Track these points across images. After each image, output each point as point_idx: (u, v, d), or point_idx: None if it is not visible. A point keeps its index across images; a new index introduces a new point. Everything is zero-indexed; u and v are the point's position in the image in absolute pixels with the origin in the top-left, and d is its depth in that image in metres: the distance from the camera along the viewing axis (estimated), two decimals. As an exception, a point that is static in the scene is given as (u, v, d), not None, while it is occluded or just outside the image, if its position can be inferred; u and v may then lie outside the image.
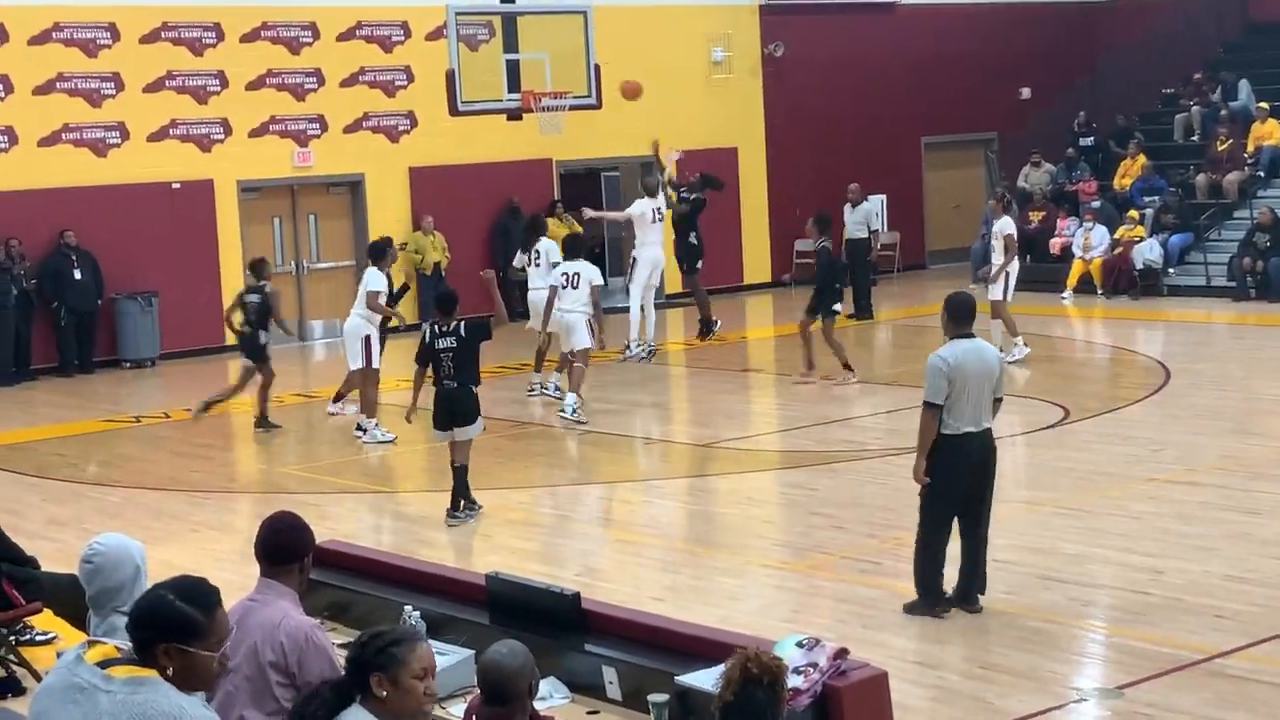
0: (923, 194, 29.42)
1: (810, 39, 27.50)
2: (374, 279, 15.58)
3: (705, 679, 5.14)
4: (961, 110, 29.21)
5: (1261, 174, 25.48)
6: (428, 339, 11.97)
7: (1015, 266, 18.56)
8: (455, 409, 11.80)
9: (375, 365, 15.65)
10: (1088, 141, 28.20)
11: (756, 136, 27.44)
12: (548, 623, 6.22)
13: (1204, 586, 9.49)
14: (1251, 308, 22.57)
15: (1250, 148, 25.91)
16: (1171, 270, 24.46)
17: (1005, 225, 18.37)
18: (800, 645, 5.56)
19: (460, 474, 11.96)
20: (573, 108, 18.70)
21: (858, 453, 14.04)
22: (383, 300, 15.56)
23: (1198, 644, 8.48)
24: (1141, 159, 26.61)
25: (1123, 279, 24.49)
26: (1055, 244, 25.92)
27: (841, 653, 5.55)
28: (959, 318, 9.26)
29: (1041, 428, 14.67)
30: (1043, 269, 25.60)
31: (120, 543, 5.72)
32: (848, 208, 25.66)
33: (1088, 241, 25.09)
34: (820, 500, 12.35)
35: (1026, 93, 30.02)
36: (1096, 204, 25.94)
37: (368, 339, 15.56)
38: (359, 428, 15.60)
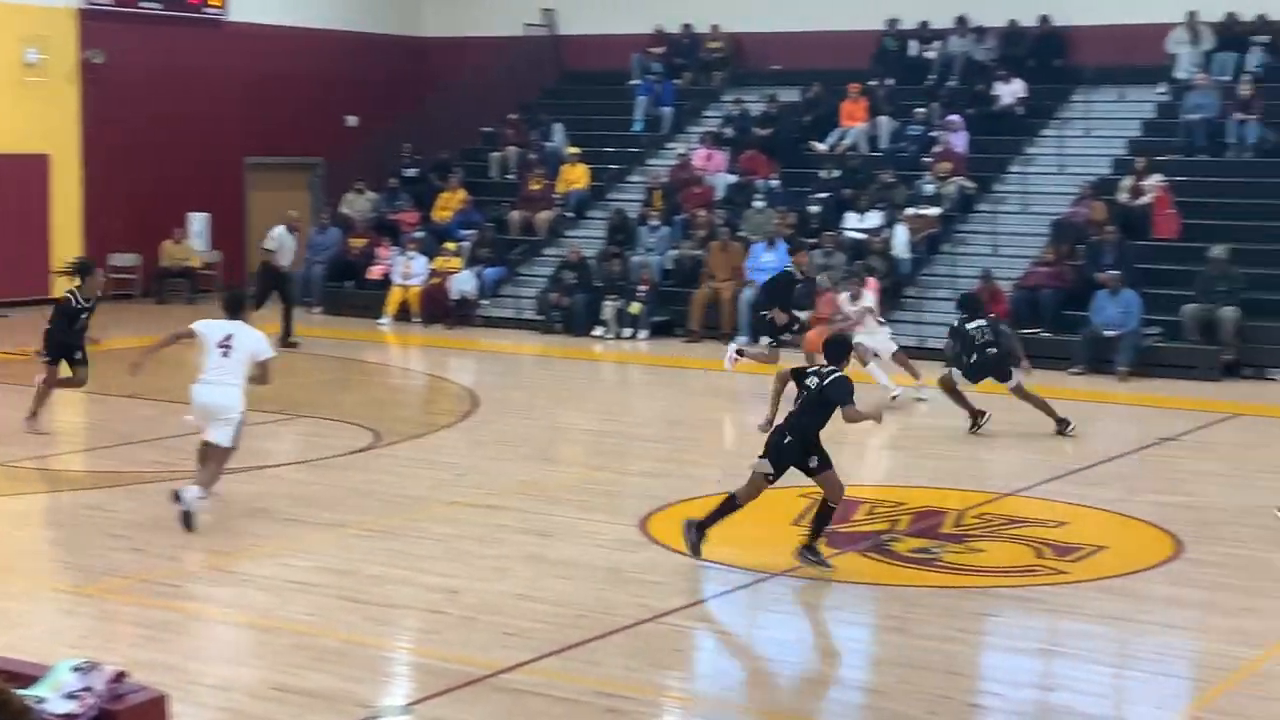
0: (245, 214, 29.14)
1: (134, 49, 26.75)
2: None
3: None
4: (288, 133, 29.21)
5: (570, 214, 26.86)
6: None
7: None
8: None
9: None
10: (411, 173, 28.81)
11: (72, 145, 26.38)
12: None
13: (496, 605, 9.84)
14: (556, 340, 23.72)
15: (561, 189, 27.24)
16: (485, 302, 25.35)
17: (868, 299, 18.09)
18: (77, 670, 5.38)
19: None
20: None
21: (164, 473, 13.68)
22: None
23: (486, 660, 8.77)
24: (461, 193, 27.47)
25: (439, 308, 25.15)
26: (375, 271, 26.31)
27: (120, 676, 5.40)
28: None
29: (350, 451, 14.83)
30: (362, 295, 26.01)
31: None
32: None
33: (408, 270, 25.62)
34: (121, 523, 11.93)
35: (353, 120, 30.37)
36: (419, 234, 26.53)
37: None
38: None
